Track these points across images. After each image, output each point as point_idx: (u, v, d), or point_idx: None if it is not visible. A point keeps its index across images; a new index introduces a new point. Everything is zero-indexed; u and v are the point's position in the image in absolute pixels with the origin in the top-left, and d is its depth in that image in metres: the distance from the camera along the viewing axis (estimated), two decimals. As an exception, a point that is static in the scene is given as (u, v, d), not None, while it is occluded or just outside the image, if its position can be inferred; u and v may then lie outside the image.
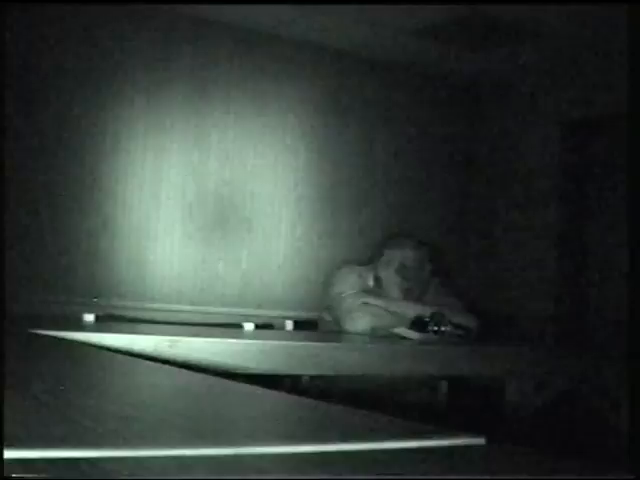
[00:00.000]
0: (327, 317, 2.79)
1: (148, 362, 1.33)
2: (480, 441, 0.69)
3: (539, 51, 5.02)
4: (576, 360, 2.50)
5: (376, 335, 2.59)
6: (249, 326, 2.59)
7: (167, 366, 1.27)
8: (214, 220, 4.84)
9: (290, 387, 2.41)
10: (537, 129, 5.44)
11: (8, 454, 0.54)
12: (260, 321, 3.40)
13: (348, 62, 5.29)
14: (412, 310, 2.68)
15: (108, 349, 1.56)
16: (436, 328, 2.57)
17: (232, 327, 2.90)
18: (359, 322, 2.58)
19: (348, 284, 2.70)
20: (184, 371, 1.17)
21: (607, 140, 5.23)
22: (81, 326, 2.09)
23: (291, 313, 4.39)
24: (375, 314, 2.63)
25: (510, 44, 4.91)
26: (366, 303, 2.65)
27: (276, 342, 1.94)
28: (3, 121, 3.71)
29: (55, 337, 1.61)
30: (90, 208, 4.46)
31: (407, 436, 0.72)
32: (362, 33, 4.86)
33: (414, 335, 2.44)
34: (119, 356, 1.42)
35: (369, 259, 2.97)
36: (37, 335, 1.62)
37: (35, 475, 0.51)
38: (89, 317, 2.29)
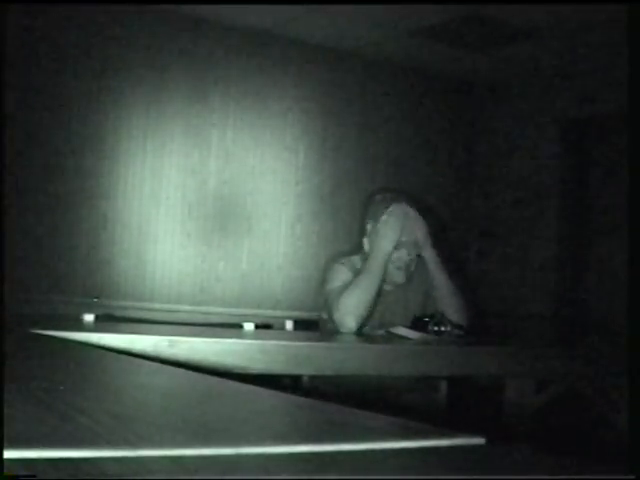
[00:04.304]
0: (325, 316, 2.78)
1: (148, 362, 1.33)
2: (480, 441, 0.69)
3: (538, 51, 5.02)
4: (576, 360, 2.50)
5: (374, 334, 2.58)
6: (249, 326, 2.59)
7: (167, 366, 1.27)
8: (214, 220, 4.84)
9: (290, 387, 2.40)
10: (537, 129, 5.44)
11: (8, 454, 0.54)
12: (260, 321, 3.40)
13: (348, 62, 5.29)
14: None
15: (108, 349, 1.56)
16: (436, 328, 2.57)
17: (232, 327, 2.89)
18: (349, 321, 2.56)
19: (340, 279, 2.68)
20: (184, 371, 1.17)
21: (607, 140, 5.22)
22: (81, 326, 2.09)
23: (291, 313, 4.39)
24: (360, 303, 2.58)
25: (510, 44, 4.90)
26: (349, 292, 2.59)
27: (276, 342, 1.93)
28: (3, 121, 3.70)
29: (55, 337, 1.61)
30: (90, 208, 4.46)
31: (407, 436, 0.72)
32: (362, 33, 4.86)
33: (414, 335, 2.44)
34: (119, 356, 1.42)
35: (355, 246, 2.93)
36: (37, 335, 1.62)
37: (35, 475, 0.51)
38: (89, 317, 2.28)
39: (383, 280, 2.64)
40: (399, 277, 2.71)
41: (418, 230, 2.70)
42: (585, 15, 4.36)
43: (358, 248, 2.85)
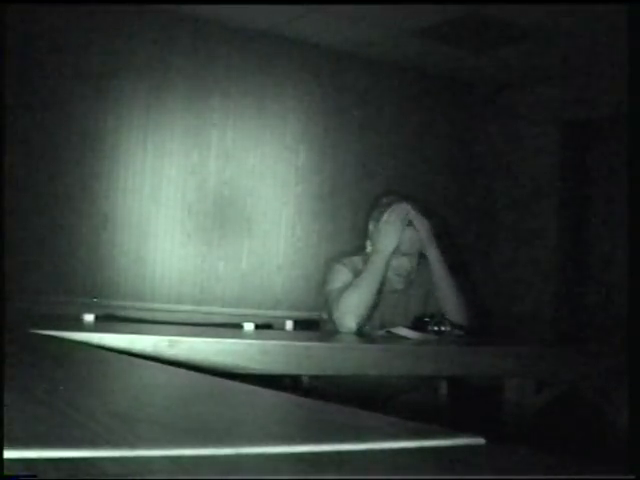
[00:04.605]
0: (325, 316, 2.77)
1: (148, 362, 1.33)
2: (480, 441, 0.69)
3: (538, 51, 5.02)
4: (576, 360, 2.50)
5: (374, 334, 2.58)
6: (249, 326, 2.59)
7: (167, 366, 1.27)
8: (214, 220, 4.84)
9: (290, 387, 2.40)
10: (537, 129, 5.44)
11: (8, 454, 0.54)
12: (260, 321, 3.40)
13: (348, 62, 5.29)
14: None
15: (108, 349, 1.56)
16: (436, 328, 2.57)
17: (232, 327, 2.89)
18: (348, 320, 2.56)
19: (341, 280, 2.67)
20: (184, 371, 1.17)
21: (607, 140, 5.22)
22: (81, 326, 2.09)
23: (291, 313, 4.39)
24: (361, 304, 2.57)
25: (510, 44, 4.90)
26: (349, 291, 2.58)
27: (276, 342, 1.94)
28: (3, 121, 3.70)
29: (55, 337, 1.61)
30: (90, 208, 4.46)
31: (407, 436, 0.72)
32: (362, 33, 4.86)
33: (414, 335, 2.44)
34: (119, 356, 1.42)
35: (358, 248, 2.93)
36: (37, 335, 1.62)
37: (35, 475, 0.51)
38: (89, 317, 2.28)
39: (383, 284, 2.64)
40: (398, 284, 2.71)
41: (422, 230, 2.69)
42: (585, 15, 4.36)
43: (360, 249, 2.85)
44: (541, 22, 4.51)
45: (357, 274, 2.67)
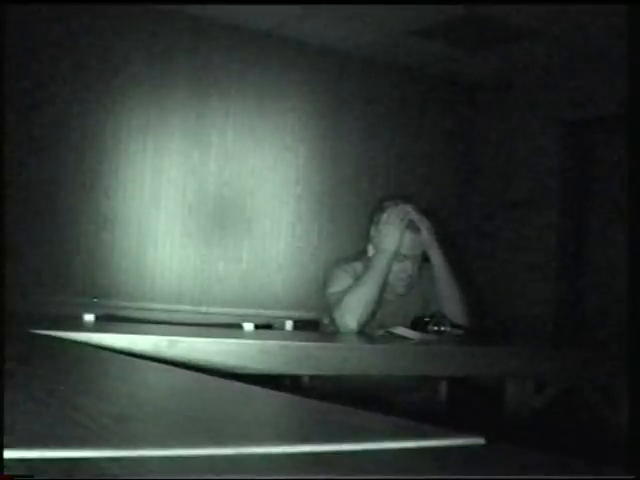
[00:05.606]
0: (326, 320, 2.77)
1: (148, 362, 1.33)
2: (480, 441, 0.69)
3: (539, 51, 5.02)
4: (576, 360, 2.50)
5: (374, 334, 2.58)
6: (249, 326, 2.59)
7: (167, 366, 1.27)
8: (214, 220, 4.84)
9: (290, 387, 2.40)
10: (537, 129, 5.44)
11: (8, 454, 0.54)
12: (260, 321, 3.40)
13: (348, 62, 5.29)
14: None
15: (108, 349, 1.56)
16: (436, 328, 2.57)
17: (232, 327, 2.90)
18: (349, 320, 2.56)
19: (341, 283, 2.67)
20: (184, 371, 1.17)
21: (608, 140, 5.22)
22: (81, 326, 2.09)
23: (291, 313, 4.39)
24: (362, 304, 2.57)
25: (510, 44, 4.90)
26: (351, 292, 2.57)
27: (276, 342, 1.94)
28: (3, 121, 3.70)
29: (55, 337, 1.61)
30: (90, 208, 4.46)
31: (407, 436, 0.72)
32: (362, 33, 4.86)
33: (414, 335, 2.44)
34: (119, 356, 1.42)
35: (359, 253, 2.92)
36: (37, 335, 1.62)
37: (34, 475, 0.51)
38: (89, 317, 2.29)
39: (384, 286, 2.63)
40: (400, 288, 2.70)
41: (424, 230, 2.69)
42: (585, 15, 4.36)
43: (361, 254, 2.83)
44: (541, 22, 4.51)
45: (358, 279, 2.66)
